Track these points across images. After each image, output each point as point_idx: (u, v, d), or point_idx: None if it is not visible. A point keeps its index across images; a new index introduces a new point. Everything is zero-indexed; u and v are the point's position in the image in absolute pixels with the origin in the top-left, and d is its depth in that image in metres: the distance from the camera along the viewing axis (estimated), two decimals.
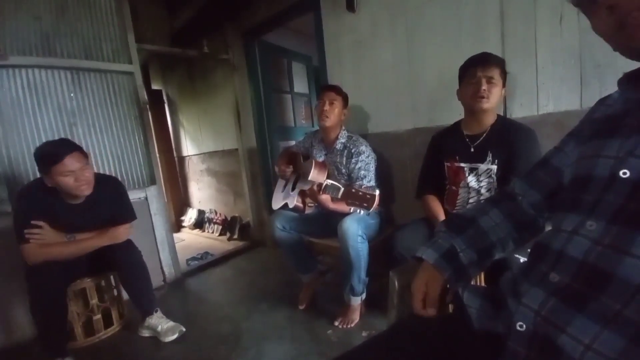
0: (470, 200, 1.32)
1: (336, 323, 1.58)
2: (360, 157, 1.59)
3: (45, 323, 1.39)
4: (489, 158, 1.26)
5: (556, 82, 1.33)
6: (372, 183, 1.58)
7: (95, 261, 1.58)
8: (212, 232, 3.45)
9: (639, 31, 0.43)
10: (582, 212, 0.48)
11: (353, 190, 1.02)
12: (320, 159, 1.73)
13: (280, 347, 1.47)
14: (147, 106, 2.26)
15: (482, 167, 1.27)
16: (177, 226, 3.81)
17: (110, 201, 1.57)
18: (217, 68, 2.96)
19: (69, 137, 1.85)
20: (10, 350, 1.64)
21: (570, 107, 1.30)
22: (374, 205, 0.98)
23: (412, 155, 1.79)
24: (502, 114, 1.45)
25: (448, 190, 1.40)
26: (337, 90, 1.68)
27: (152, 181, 2.21)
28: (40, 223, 1.39)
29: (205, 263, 2.64)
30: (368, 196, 0.97)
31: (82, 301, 1.65)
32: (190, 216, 3.79)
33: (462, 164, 1.32)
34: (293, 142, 2.74)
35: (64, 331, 1.47)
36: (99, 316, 1.67)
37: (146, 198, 2.18)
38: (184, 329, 1.62)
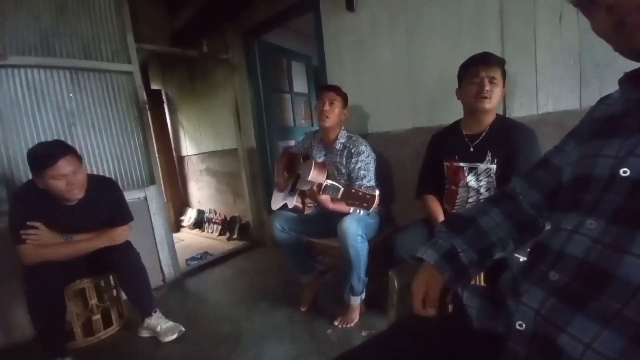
0: (470, 200, 1.32)
1: (336, 323, 1.58)
2: (360, 157, 1.58)
3: (43, 323, 1.39)
4: (488, 157, 1.26)
5: (556, 81, 1.33)
6: (372, 183, 1.58)
7: (94, 262, 1.58)
8: (212, 232, 3.45)
9: (638, 31, 0.43)
10: (582, 212, 0.48)
11: (353, 190, 1.02)
12: (320, 159, 1.73)
13: (280, 347, 1.47)
14: (147, 106, 2.26)
15: (482, 166, 1.27)
16: (177, 226, 3.81)
17: (106, 203, 1.57)
18: (217, 68, 2.96)
19: (68, 137, 1.86)
20: (10, 350, 1.64)
21: (569, 107, 1.30)
22: (374, 205, 0.98)
23: (412, 155, 1.79)
24: (501, 113, 1.45)
25: (447, 190, 1.40)
26: (337, 90, 1.68)
27: (152, 181, 2.21)
28: (36, 224, 1.39)
29: (205, 263, 2.64)
30: (368, 196, 0.97)
31: (82, 301, 1.65)
32: (189, 216, 3.78)
33: (462, 164, 1.32)
34: (292, 142, 2.75)
35: (63, 331, 1.47)
36: (98, 316, 1.67)
37: (145, 198, 2.18)
38: (183, 329, 1.62)
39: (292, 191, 1.74)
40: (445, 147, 1.38)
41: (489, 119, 1.29)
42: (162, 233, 2.27)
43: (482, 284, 1.05)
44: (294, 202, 1.67)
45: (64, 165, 1.34)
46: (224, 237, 3.26)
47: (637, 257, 0.40)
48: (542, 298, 0.46)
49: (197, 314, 1.86)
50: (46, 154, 1.33)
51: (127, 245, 1.62)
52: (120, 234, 1.57)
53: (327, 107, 1.62)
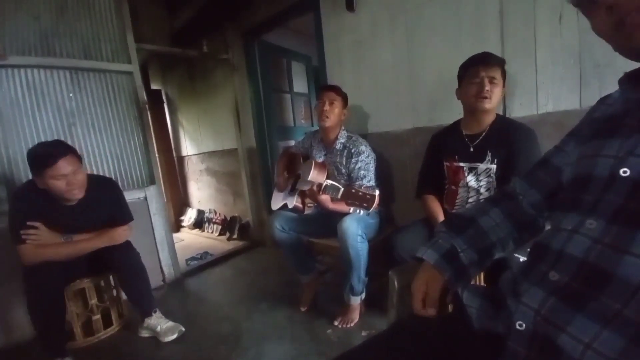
0: (470, 200, 1.32)
1: (336, 323, 1.58)
2: (360, 157, 1.58)
3: (43, 323, 1.39)
4: (488, 157, 1.26)
5: (556, 81, 1.33)
6: (372, 183, 1.58)
7: (94, 262, 1.58)
8: (212, 232, 3.44)
9: (638, 31, 0.43)
10: (582, 212, 0.48)
11: (353, 190, 1.02)
12: (320, 160, 1.73)
13: (280, 347, 1.47)
14: (147, 106, 2.26)
15: (482, 166, 1.27)
16: (177, 226, 3.81)
17: (106, 203, 1.57)
18: (217, 68, 2.96)
19: (68, 137, 1.86)
20: (10, 350, 1.64)
21: (569, 107, 1.30)
22: (374, 205, 0.98)
23: (412, 155, 1.79)
24: (501, 113, 1.45)
25: (447, 190, 1.40)
26: (337, 90, 1.67)
27: (152, 181, 2.21)
28: (36, 224, 1.39)
29: (205, 263, 2.64)
30: (368, 196, 0.97)
31: (82, 301, 1.65)
32: (189, 216, 3.78)
33: (462, 164, 1.32)
34: (292, 142, 2.75)
35: (63, 331, 1.47)
36: (98, 316, 1.67)
37: (145, 198, 2.18)
38: (183, 329, 1.62)
39: (292, 191, 1.74)
40: (445, 147, 1.38)
41: (489, 119, 1.29)
42: (162, 233, 2.27)
43: (482, 284, 1.05)
44: (294, 202, 1.67)
45: (64, 165, 1.34)
46: (224, 237, 3.26)
47: (637, 257, 0.40)
48: (542, 298, 0.46)
49: (197, 314, 1.86)
50: (46, 154, 1.33)
51: (127, 245, 1.62)
52: (120, 234, 1.57)
53: (327, 107, 1.62)
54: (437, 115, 1.67)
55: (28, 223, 1.37)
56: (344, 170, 1.65)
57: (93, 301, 1.65)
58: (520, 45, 1.38)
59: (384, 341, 0.64)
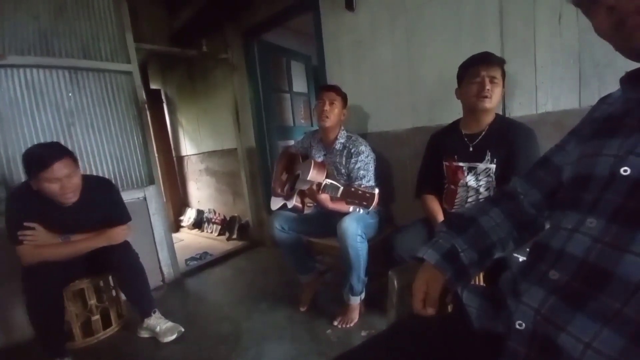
0: (469, 200, 1.32)
1: (335, 323, 1.58)
2: (359, 157, 1.58)
3: (42, 324, 1.39)
4: (488, 157, 1.26)
5: (555, 81, 1.33)
6: (372, 183, 1.58)
7: (92, 262, 1.58)
8: (211, 232, 3.44)
9: (638, 32, 0.43)
10: (581, 211, 0.48)
11: (352, 189, 1.02)
12: (319, 159, 1.73)
13: (280, 347, 1.47)
14: (146, 106, 2.26)
15: (481, 166, 1.27)
16: (176, 226, 3.81)
17: (103, 203, 1.56)
18: (217, 68, 2.95)
19: (67, 137, 1.86)
20: (10, 350, 1.64)
21: (569, 107, 1.30)
22: (374, 204, 0.98)
23: (411, 154, 1.79)
24: (501, 113, 1.45)
25: (447, 190, 1.40)
26: (336, 90, 1.67)
27: (151, 181, 2.21)
28: (33, 224, 1.38)
29: (204, 263, 2.64)
30: (367, 194, 0.97)
31: (81, 302, 1.65)
32: (189, 216, 3.78)
33: (461, 163, 1.32)
34: (292, 142, 2.74)
35: (62, 331, 1.47)
36: (97, 317, 1.67)
37: (145, 198, 2.17)
38: (182, 329, 1.62)
39: (292, 191, 1.74)
40: (445, 147, 1.38)
41: (489, 118, 1.29)
42: (161, 233, 2.27)
43: (482, 283, 1.05)
44: (293, 202, 1.67)
45: (59, 169, 1.33)
46: (223, 237, 3.26)
47: (637, 256, 0.40)
48: (542, 297, 0.46)
49: (197, 314, 1.86)
50: (41, 157, 1.31)
51: (126, 245, 1.61)
52: (118, 234, 1.57)
53: (327, 107, 1.62)
54: (436, 115, 1.67)
55: (25, 224, 1.37)
56: (343, 170, 1.65)
57: (92, 301, 1.65)
58: (520, 45, 1.38)
59: (383, 341, 0.64)
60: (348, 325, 1.56)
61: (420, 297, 0.61)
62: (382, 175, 1.79)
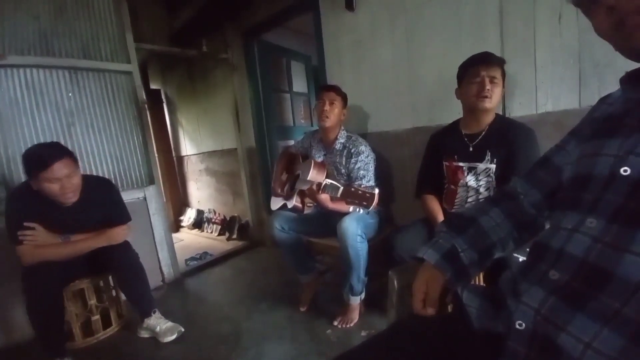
0: (469, 200, 1.32)
1: (335, 323, 1.58)
2: (359, 157, 1.58)
3: (42, 324, 1.39)
4: (488, 157, 1.26)
5: (555, 81, 1.33)
6: (372, 183, 1.58)
7: (92, 262, 1.57)
8: (211, 232, 3.44)
9: (638, 32, 0.43)
10: (581, 211, 0.48)
11: (352, 188, 1.02)
12: (319, 159, 1.73)
13: (280, 347, 1.47)
14: (146, 106, 2.26)
15: (481, 166, 1.27)
16: (176, 226, 3.81)
17: (103, 203, 1.56)
18: (217, 68, 2.95)
19: (67, 137, 1.86)
20: (10, 350, 1.64)
21: (569, 107, 1.30)
22: (374, 204, 0.98)
23: (411, 154, 1.79)
24: (501, 113, 1.45)
25: (447, 190, 1.40)
26: (337, 90, 1.67)
27: (151, 181, 2.21)
28: (33, 224, 1.38)
29: (204, 263, 2.64)
30: (367, 194, 0.97)
31: (81, 302, 1.65)
32: (189, 216, 3.78)
33: (461, 163, 1.32)
34: (292, 142, 2.74)
35: (62, 331, 1.47)
36: (97, 317, 1.67)
37: (145, 198, 2.17)
38: (182, 329, 1.62)
39: (292, 191, 1.74)
40: (445, 147, 1.38)
41: (489, 118, 1.29)
42: (161, 233, 2.27)
43: (482, 283, 1.05)
44: (293, 202, 1.67)
45: (59, 169, 1.33)
46: (223, 237, 3.26)
47: (637, 256, 0.40)
48: (542, 297, 0.46)
49: (197, 314, 1.86)
50: (41, 157, 1.31)
51: (126, 245, 1.61)
52: (118, 234, 1.56)
53: (327, 107, 1.62)
54: (436, 115, 1.67)
55: (25, 224, 1.37)
56: (343, 170, 1.65)
57: (92, 301, 1.65)
58: (520, 45, 1.38)
59: (383, 341, 0.64)
60: (348, 325, 1.56)
61: (420, 297, 0.61)
62: (382, 175, 1.79)
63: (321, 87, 1.80)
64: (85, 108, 1.93)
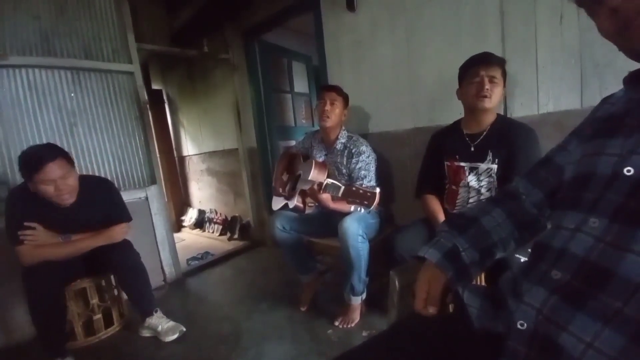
0: (470, 200, 1.32)
1: (336, 323, 1.57)
2: (360, 157, 1.58)
3: (43, 323, 1.39)
4: (489, 157, 1.25)
5: (556, 81, 1.32)
6: (373, 183, 1.58)
7: (94, 262, 1.58)
8: (213, 232, 3.45)
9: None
10: (582, 210, 0.48)
11: (353, 188, 1.02)
12: (320, 159, 1.73)
13: (280, 347, 1.47)
14: (148, 106, 2.26)
15: (482, 166, 1.27)
16: (178, 226, 3.81)
17: (102, 203, 1.56)
18: (217, 68, 2.96)
19: (70, 137, 1.87)
20: (10, 350, 1.64)
21: (570, 107, 1.30)
22: (375, 203, 0.98)
23: (412, 155, 1.79)
24: (502, 113, 1.45)
25: (448, 190, 1.40)
26: (337, 90, 1.67)
27: (153, 181, 2.21)
28: (33, 224, 1.38)
29: (206, 263, 2.64)
30: (369, 194, 0.97)
31: (83, 301, 1.65)
32: (190, 216, 3.79)
33: (462, 163, 1.32)
34: (293, 142, 2.74)
35: (63, 331, 1.47)
36: (99, 316, 1.68)
37: (146, 198, 2.18)
38: (184, 329, 1.62)
39: (293, 191, 1.74)
40: (446, 147, 1.38)
41: (490, 118, 1.29)
42: (163, 233, 2.27)
43: (483, 283, 1.05)
44: (294, 201, 1.67)
45: (53, 170, 1.31)
46: (224, 237, 3.26)
47: (638, 256, 0.40)
48: (544, 297, 0.46)
49: (198, 314, 1.86)
50: (34, 158, 1.30)
51: (127, 245, 1.62)
52: (117, 232, 1.56)
53: (328, 107, 1.62)
54: (437, 115, 1.67)
55: (25, 224, 1.37)
56: (344, 170, 1.65)
57: (94, 301, 1.65)
58: (521, 45, 1.38)
59: (384, 341, 0.64)
60: (349, 326, 1.56)
61: (423, 296, 0.61)
62: (383, 176, 1.79)
63: (322, 87, 1.80)
64: (88, 108, 1.94)
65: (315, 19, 2.12)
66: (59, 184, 1.35)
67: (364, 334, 1.51)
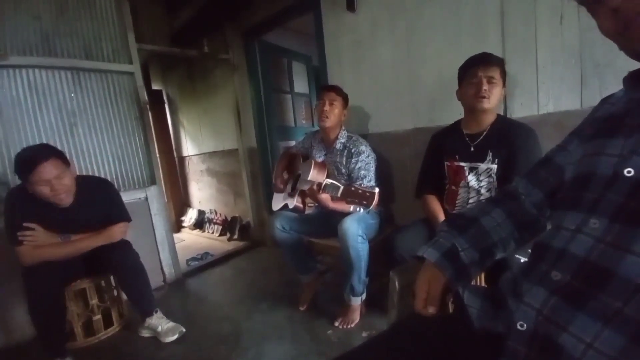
0: (470, 200, 1.32)
1: (336, 323, 1.57)
2: (360, 157, 1.58)
3: (43, 323, 1.39)
4: (489, 157, 1.25)
5: (556, 81, 1.32)
6: (372, 183, 1.58)
7: (93, 262, 1.58)
8: (212, 233, 3.45)
9: None
10: (582, 210, 0.48)
11: (352, 188, 1.02)
12: (320, 159, 1.73)
13: (280, 347, 1.47)
14: (148, 106, 2.26)
15: (482, 166, 1.27)
16: (177, 226, 3.81)
17: (100, 203, 1.56)
18: (217, 68, 2.96)
19: (70, 137, 1.87)
20: (10, 350, 1.64)
21: (570, 107, 1.30)
22: (374, 203, 0.98)
23: (412, 155, 1.78)
24: (502, 113, 1.45)
25: (448, 190, 1.40)
26: (337, 90, 1.67)
27: (153, 181, 2.21)
28: (33, 225, 1.38)
29: (206, 263, 2.64)
30: (368, 194, 0.97)
31: (82, 301, 1.65)
32: (190, 216, 3.79)
33: (462, 163, 1.32)
34: (293, 142, 2.74)
35: (63, 331, 1.47)
36: (99, 316, 1.67)
37: (146, 198, 2.18)
38: (184, 330, 1.62)
39: (293, 191, 1.74)
40: (446, 147, 1.38)
41: (489, 118, 1.29)
42: (162, 233, 2.27)
43: (483, 284, 1.05)
44: (294, 202, 1.67)
45: (47, 170, 1.30)
46: (224, 238, 3.26)
47: (638, 256, 0.40)
48: (544, 298, 0.46)
49: (198, 314, 1.86)
50: (27, 159, 1.29)
51: (126, 245, 1.61)
52: (116, 232, 1.56)
53: (327, 107, 1.62)
54: (437, 116, 1.67)
55: (24, 224, 1.36)
56: (344, 170, 1.65)
57: (94, 301, 1.65)
58: (521, 45, 1.38)
59: (384, 341, 0.63)
60: (349, 326, 1.55)
61: (423, 295, 0.60)
62: (383, 176, 1.79)
63: (322, 87, 1.81)
64: (88, 108, 1.94)
65: (315, 19, 2.12)
66: (54, 184, 1.34)
67: (364, 334, 1.50)
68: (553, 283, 0.46)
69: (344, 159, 1.64)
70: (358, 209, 1.49)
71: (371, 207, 0.98)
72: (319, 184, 1.22)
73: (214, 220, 3.47)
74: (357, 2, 1.88)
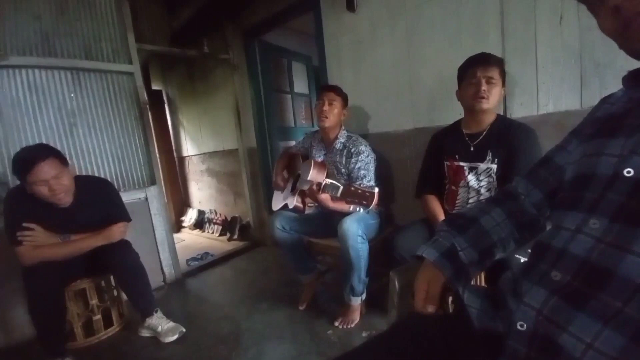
0: (470, 200, 1.32)
1: (336, 323, 1.57)
2: (360, 157, 1.58)
3: (43, 323, 1.39)
4: (489, 157, 1.25)
5: (556, 81, 1.32)
6: (372, 183, 1.58)
7: (93, 262, 1.57)
8: (212, 233, 3.45)
9: None
10: (582, 210, 0.48)
11: (352, 188, 1.02)
12: (320, 159, 1.73)
13: (280, 347, 1.47)
14: (147, 106, 2.26)
15: (482, 166, 1.27)
16: (177, 226, 3.81)
17: (100, 203, 1.56)
18: (217, 68, 2.96)
19: (69, 138, 1.87)
20: (10, 350, 1.64)
21: (570, 107, 1.30)
22: (374, 202, 0.98)
23: (412, 155, 1.79)
24: (502, 113, 1.44)
25: (448, 190, 1.40)
26: (336, 90, 1.67)
27: (152, 181, 2.21)
28: (32, 225, 1.38)
29: (205, 263, 2.64)
30: (367, 193, 0.97)
31: (82, 301, 1.65)
32: (190, 216, 3.78)
33: (462, 163, 1.32)
34: (293, 142, 2.74)
35: (63, 331, 1.47)
36: (99, 316, 1.67)
37: (146, 198, 2.18)
38: (184, 330, 1.62)
39: (293, 191, 1.74)
40: (446, 147, 1.38)
41: (489, 118, 1.29)
42: (162, 233, 2.27)
43: (483, 284, 1.05)
44: (294, 202, 1.67)
45: (44, 170, 1.30)
46: (224, 238, 3.26)
47: (638, 256, 0.40)
48: (544, 298, 0.46)
49: (198, 314, 1.86)
50: (25, 159, 1.29)
51: (126, 245, 1.61)
52: (116, 232, 1.56)
53: (326, 107, 1.62)
54: (437, 116, 1.67)
55: (24, 224, 1.36)
56: (343, 170, 1.65)
57: (94, 301, 1.65)
58: (521, 45, 1.38)
59: (384, 341, 0.63)
60: (349, 326, 1.55)
61: (422, 295, 0.61)
62: (383, 176, 1.78)
63: (321, 87, 1.80)
64: (87, 109, 1.94)
65: (315, 19, 2.12)
66: (52, 184, 1.34)
67: (364, 334, 1.50)
68: (553, 283, 0.46)
69: (344, 158, 1.64)
70: (358, 208, 1.49)
71: (371, 207, 0.98)
72: (319, 184, 1.22)
73: (214, 220, 3.47)
74: (357, 2, 1.88)
